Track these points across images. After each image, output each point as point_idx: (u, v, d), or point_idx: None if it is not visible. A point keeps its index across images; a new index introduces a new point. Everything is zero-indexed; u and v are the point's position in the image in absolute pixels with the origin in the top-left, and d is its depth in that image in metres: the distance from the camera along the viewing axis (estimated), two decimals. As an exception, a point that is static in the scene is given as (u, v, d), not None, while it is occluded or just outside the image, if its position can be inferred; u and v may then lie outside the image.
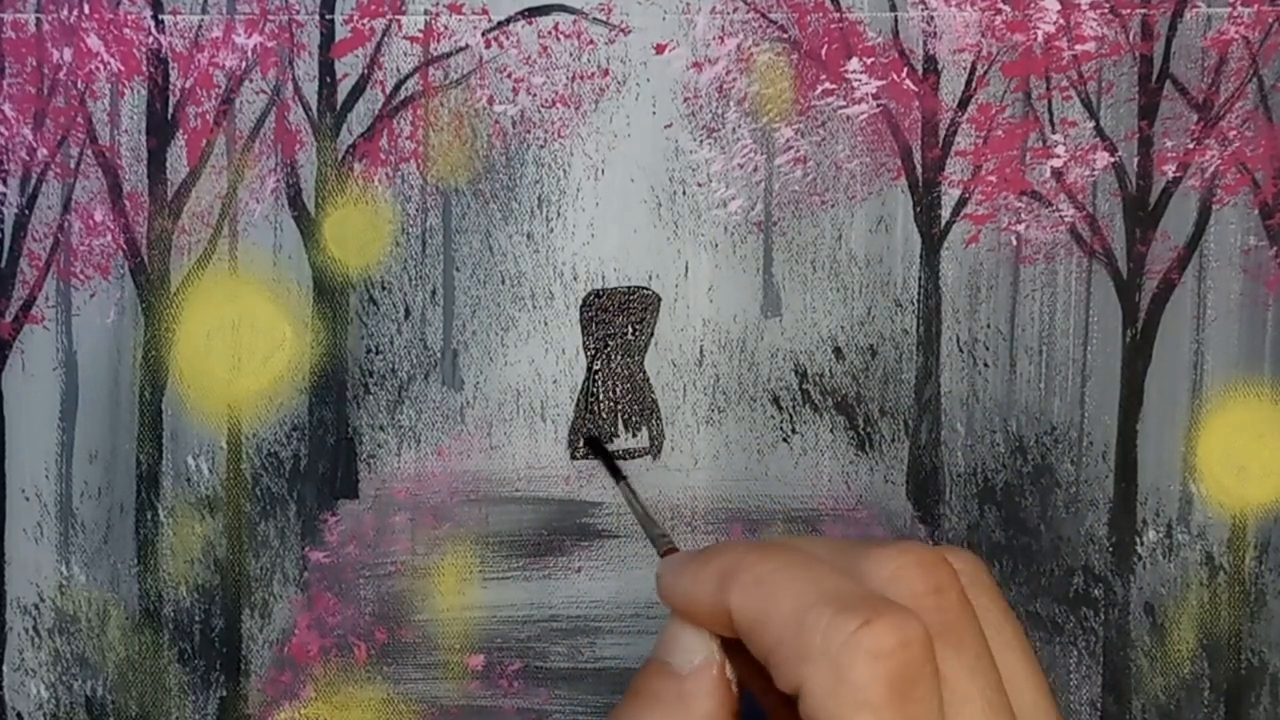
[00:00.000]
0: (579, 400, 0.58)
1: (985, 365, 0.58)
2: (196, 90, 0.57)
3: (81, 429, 0.57)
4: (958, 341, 0.58)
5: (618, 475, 0.41)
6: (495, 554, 0.58)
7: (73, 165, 0.56)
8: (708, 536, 0.58)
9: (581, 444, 0.58)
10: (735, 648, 0.33)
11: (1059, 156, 0.57)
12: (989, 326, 0.58)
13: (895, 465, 0.58)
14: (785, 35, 0.57)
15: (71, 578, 0.57)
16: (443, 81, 0.57)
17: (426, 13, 0.57)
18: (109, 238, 0.57)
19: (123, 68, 0.56)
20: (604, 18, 0.57)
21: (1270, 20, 0.57)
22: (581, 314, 0.58)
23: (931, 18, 0.57)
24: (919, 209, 0.58)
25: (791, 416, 0.58)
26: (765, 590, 0.32)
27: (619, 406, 0.58)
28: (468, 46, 0.57)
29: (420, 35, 0.57)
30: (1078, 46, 0.57)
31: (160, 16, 0.56)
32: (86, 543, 0.57)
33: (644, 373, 0.58)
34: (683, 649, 0.34)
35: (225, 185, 0.57)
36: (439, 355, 0.58)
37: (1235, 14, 0.57)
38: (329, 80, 0.57)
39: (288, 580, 0.57)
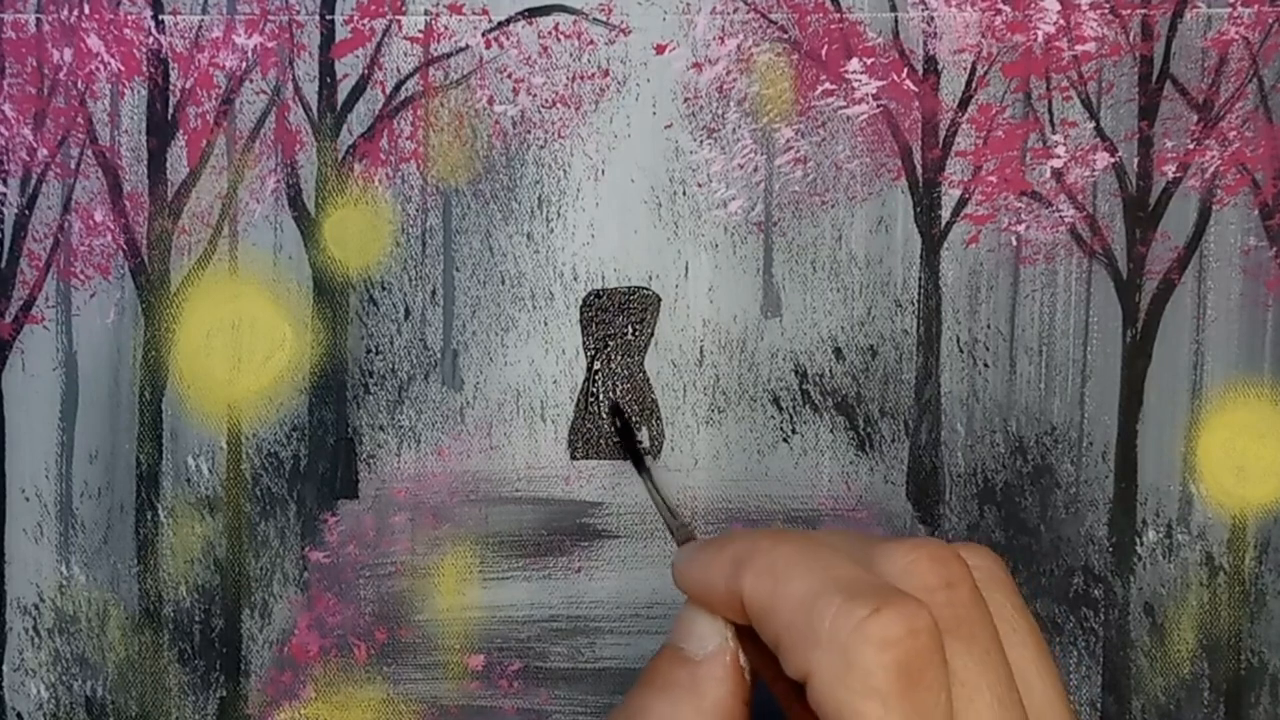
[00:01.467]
0: (579, 400, 0.58)
1: (985, 365, 0.58)
2: (196, 90, 0.57)
3: (81, 429, 0.57)
4: (958, 341, 0.58)
5: (641, 466, 0.41)
6: (495, 554, 0.58)
7: (73, 165, 0.56)
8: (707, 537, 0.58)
9: (584, 439, 0.58)
10: (749, 635, 0.33)
11: (1059, 157, 0.57)
12: (989, 326, 0.58)
13: (895, 465, 0.58)
14: (785, 36, 0.57)
15: (71, 578, 0.57)
16: (443, 82, 0.57)
17: (426, 13, 0.57)
18: (109, 238, 0.57)
19: (123, 68, 0.56)
20: (604, 18, 0.57)
21: (1270, 20, 0.57)
22: (581, 314, 0.58)
23: (932, 18, 0.57)
24: (919, 209, 0.58)
25: (791, 417, 0.58)
26: (777, 575, 0.32)
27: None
28: (468, 47, 0.57)
29: (420, 35, 0.57)
30: (1078, 47, 0.57)
31: (160, 17, 0.56)
32: (86, 543, 0.57)
33: (644, 373, 0.58)
34: (697, 635, 0.34)
35: (225, 185, 0.57)
36: (439, 355, 0.58)
37: (1235, 14, 0.57)
38: (329, 80, 0.57)
39: (288, 580, 0.57)
